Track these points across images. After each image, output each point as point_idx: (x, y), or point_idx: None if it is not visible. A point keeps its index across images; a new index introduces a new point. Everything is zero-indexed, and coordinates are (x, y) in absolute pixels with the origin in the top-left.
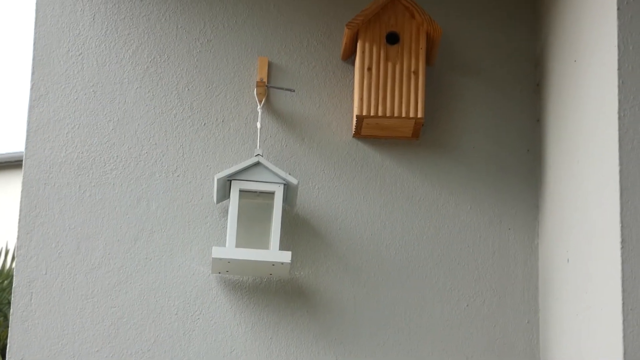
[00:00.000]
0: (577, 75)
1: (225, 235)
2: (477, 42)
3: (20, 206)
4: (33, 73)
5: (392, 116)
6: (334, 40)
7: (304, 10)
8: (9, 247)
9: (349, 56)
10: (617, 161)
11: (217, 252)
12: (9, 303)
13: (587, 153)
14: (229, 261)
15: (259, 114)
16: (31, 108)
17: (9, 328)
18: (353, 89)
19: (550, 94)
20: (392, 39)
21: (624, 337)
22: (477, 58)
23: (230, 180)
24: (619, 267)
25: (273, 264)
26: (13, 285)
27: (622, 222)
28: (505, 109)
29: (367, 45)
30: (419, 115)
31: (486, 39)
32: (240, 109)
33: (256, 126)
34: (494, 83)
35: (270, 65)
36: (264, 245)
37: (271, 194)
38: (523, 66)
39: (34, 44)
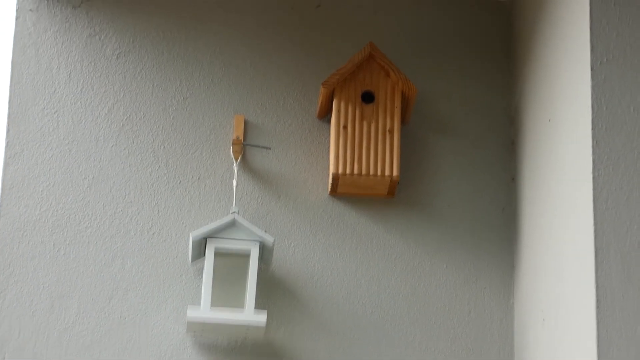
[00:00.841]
0: (552, 134)
1: (201, 294)
2: (452, 99)
3: None
4: (8, 131)
5: (367, 174)
6: (309, 99)
7: (281, 69)
8: None
9: (324, 114)
10: (591, 221)
11: (192, 313)
12: None
13: (562, 212)
14: (204, 322)
15: (235, 171)
16: (6, 166)
17: None
18: (329, 147)
19: (525, 152)
20: (368, 97)
21: None
22: (452, 115)
23: (206, 239)
24: (594, 327)
25: (247, 328)
26: None
27: (597, 282)
28: (480, 167)
29: (342, 103)
30: (395, 173)
31: (461, 95)
32: (216, 167)
33: (232, 184)
34: (469, 140)
35: (246, 123)
36: (240, 304)
37: (247, 253)
38: (498, 123)
39: (9, 101)
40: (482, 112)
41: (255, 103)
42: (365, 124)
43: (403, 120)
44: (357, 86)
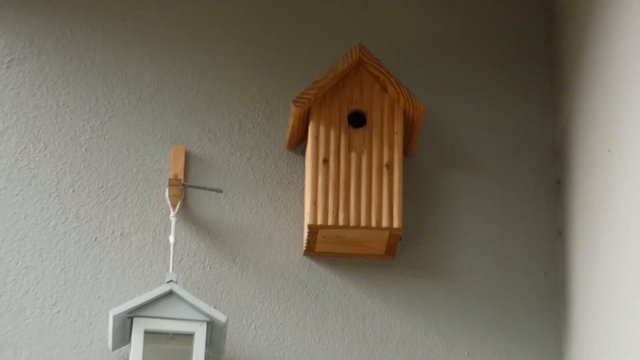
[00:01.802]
0: (613, 168)
1: None
2: (474, 124)
3: None
4: None
5: (357, 226)
6: (276, 122)
7: (235, 82)
8: None
9: (297, 144)
10: None
11: None
12: None
13: (628, 278)
14: None
15: (173, 223)
16: None
17: None
18: (303, 188)
19: (575, 195)
20: (357, 120)
21: None
22: (473, 145)
23: (132, 318)
24: None
25: None
26: None
27: None
28: (514, 216)
29: (322, 128)
30: (395, 225)
31: (486, 119)
32: (145, 217)
33: (169, 241)
34: (498, 180)
35: (188, 156)
36: None
37: (189, 336)
38: (538, 157)
39: None
40: (516, 142)
41: (199, 128)
42: (354, 156)
43: (406, 152)
44: (342, 104)
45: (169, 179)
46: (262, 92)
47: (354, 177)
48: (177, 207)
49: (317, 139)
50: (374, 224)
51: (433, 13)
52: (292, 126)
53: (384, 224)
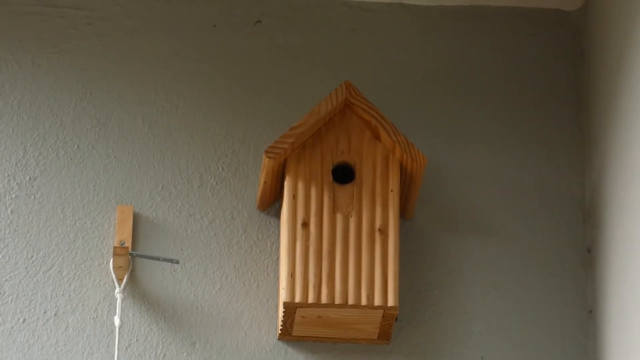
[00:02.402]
0: None
1: None
2: (487, 181)
3: None
4: None
5: (344, 304)
6: (244, 177)
7: (194, 128)
8: None
9: (270, 203)
10: None
11: None
12: None
13: None
14: None
15: (119, 301)
16: None
17: None
18: (278, 259)
19: (608, 267)
20: (344, 174)
21: None
22: (487, 207)
23: None
24: None
25: None
26: None
27: None
28: (535, 292)
29: (300, 185)
30: (390, 303)
31: (501, 175)
32: (85, 294)
33: (113, 322)
34: (516, 249)
35: (137, 218)
36: None
37: None
38: (564, 221)
39: None
40: (537, 201)
41: (151, 185)
42: (339, 218)
43: (403, 213)
44: (326, 155)
45: (114, 247)
46: (228, 140)
47: (339, 244)
48: (124, 281)
49: (294, 197)
50: (364, 301)
51: (438, 44)
52: (265, 182)
53: (377, 301)
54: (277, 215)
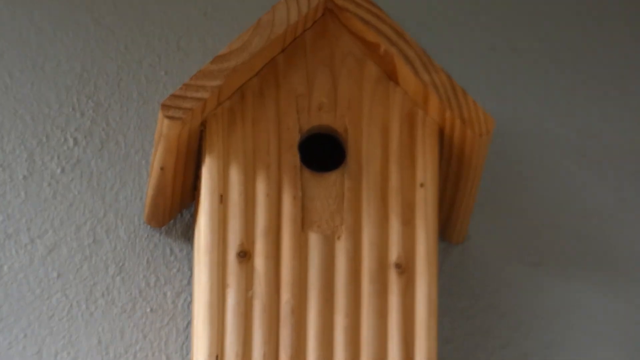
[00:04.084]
0: None
1: None
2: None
3: None
4: None
5: None
6: (117, 159)
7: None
8: None
9: (171, 213)
10: None
11: None
12: None
13: None
14: None
15: None
16: None
17: None
18: (188, 326)
19: None
20: (324, 153)
21: None
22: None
23: None
24: None
25: None
26: None
27: None
28: None
29: (235, 174)
30: None
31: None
32: None
33: None
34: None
35: None
36: None
37: None
38: None
39: None
40: None
41: None
42: (315, 242)
43: (444, 233)
44: (287, 114)
45: None
46: (83, 84)
47: (316, 295)
48: None
49: (222, 199)
50: None
51: None
52: (162, 168)
53: None
54: (186, 235)
